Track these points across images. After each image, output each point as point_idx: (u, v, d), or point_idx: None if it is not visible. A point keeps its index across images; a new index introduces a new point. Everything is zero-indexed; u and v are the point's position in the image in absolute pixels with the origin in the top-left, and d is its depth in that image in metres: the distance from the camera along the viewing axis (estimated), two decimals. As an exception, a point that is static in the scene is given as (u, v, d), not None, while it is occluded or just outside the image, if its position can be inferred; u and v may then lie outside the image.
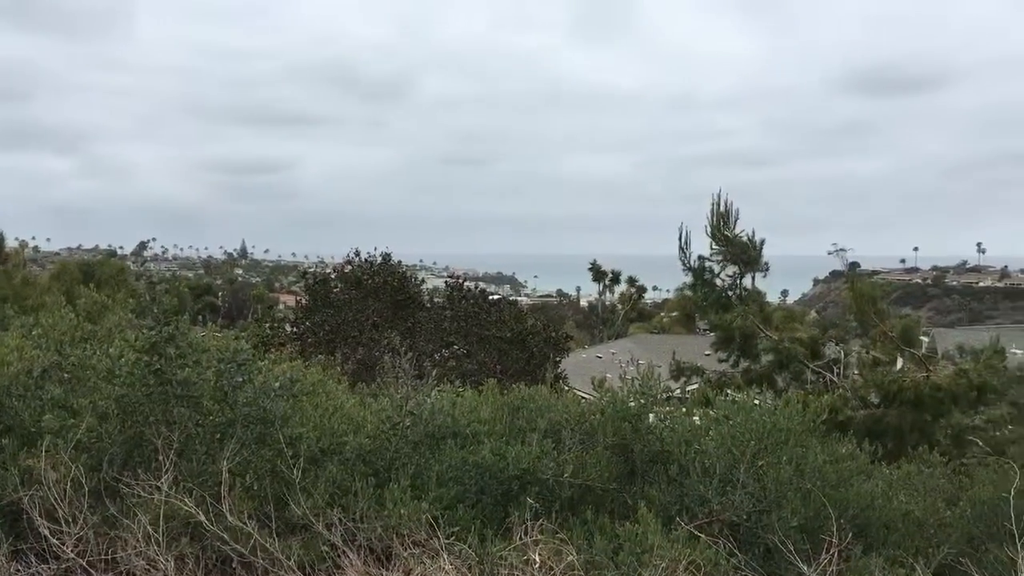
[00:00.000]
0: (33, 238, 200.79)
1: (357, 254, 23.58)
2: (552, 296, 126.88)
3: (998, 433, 9.96)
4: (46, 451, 4.77)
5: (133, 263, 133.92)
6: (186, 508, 4.47)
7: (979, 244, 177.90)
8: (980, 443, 8.97)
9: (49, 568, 4.38)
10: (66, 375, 5.56)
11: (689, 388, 13.17)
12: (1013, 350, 15.97)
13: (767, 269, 13.33)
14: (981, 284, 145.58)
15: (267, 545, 4.39)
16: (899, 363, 12.48)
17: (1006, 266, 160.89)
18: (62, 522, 4.45)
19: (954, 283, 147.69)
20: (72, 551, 4.37)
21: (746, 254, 12.74)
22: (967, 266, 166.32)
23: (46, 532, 4.40)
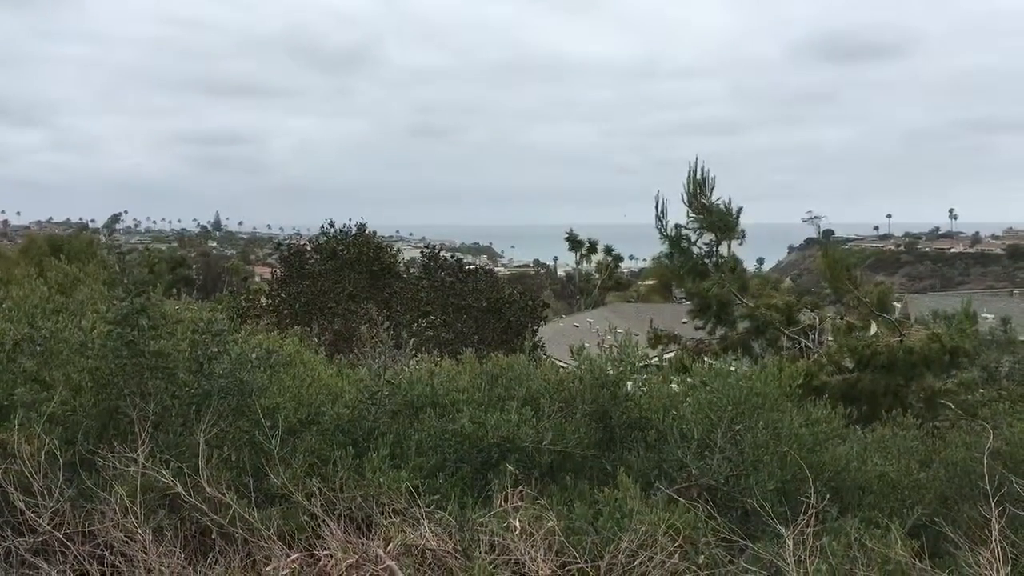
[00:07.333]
0: (3, 212, 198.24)
1: (332, 225, 23.43)
2: (529, 266, 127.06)
3: (970, 396, 10.07)
4: (19, 424, 4.72)
5: (105, 236, 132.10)
6: (163, 480, 4.44)
7: (951, 210, 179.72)
8: (952, 406, 9.08)
9: (25, 541, 4.35)
10: (38, 348, 5.48)
11: (666, 355, 13.23)
12: (984, 314, 16.18)
13: (743, 237, 13.35)
14: (953, 250, 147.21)
15: (246, 515, 4.38)
16: (873, 328, 12.59)
17: (978, 232, 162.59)
18: (38, 495, 4.41)
19: (927, 249, 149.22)
20: (48, 524, 4.34)
21: (723, 222, 12.74)
22: (939, 232, 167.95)
23: (21, 505, 4.37)
